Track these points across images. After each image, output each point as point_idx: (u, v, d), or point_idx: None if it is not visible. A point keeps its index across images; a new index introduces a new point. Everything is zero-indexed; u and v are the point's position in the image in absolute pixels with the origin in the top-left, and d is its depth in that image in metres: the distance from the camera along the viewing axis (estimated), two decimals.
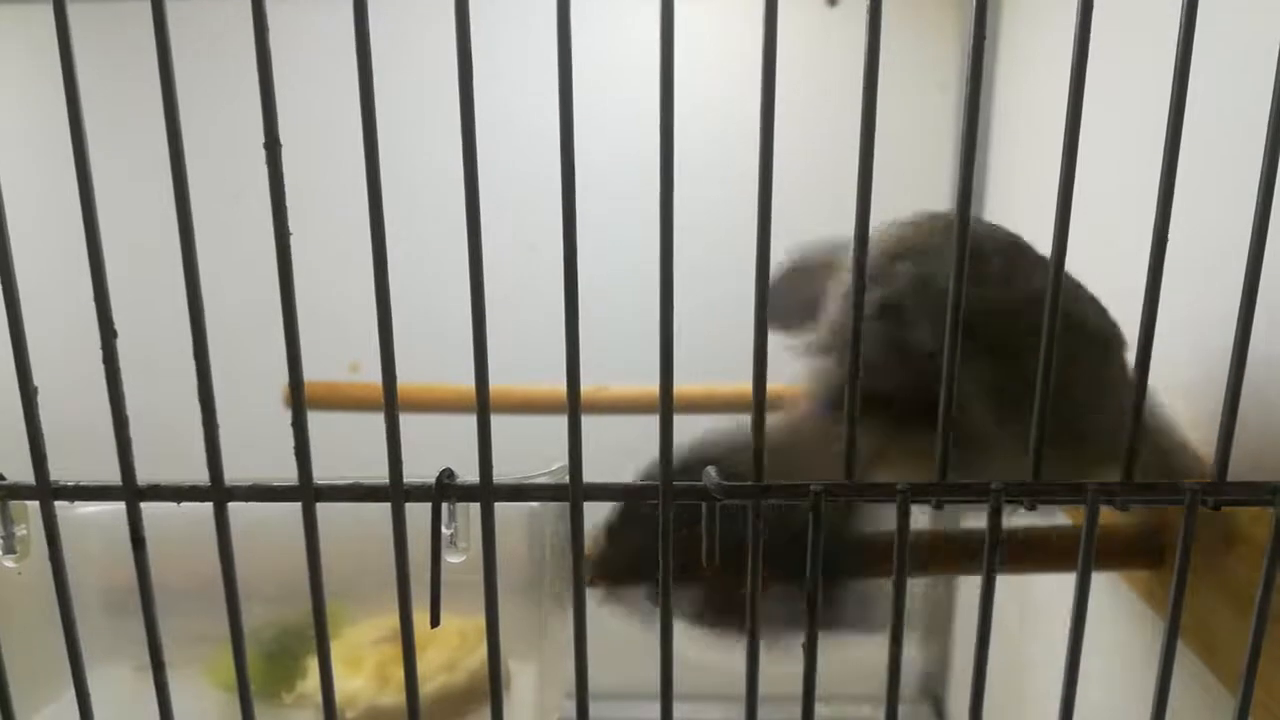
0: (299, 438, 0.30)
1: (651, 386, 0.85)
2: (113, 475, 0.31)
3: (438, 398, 0.72)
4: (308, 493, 0.30)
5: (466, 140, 0.28)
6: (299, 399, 0.29)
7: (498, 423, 0.73)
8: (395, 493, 0.30)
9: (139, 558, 0.31)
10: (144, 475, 0.32)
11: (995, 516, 0.29)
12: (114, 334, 0.29)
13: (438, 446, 0.44)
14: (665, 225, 0.29)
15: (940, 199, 1.05)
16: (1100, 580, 0.67)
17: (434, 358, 0.70)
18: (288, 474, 0.40)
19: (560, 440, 0.31)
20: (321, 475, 0.32)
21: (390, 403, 0.29)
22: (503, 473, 0.34)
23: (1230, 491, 0.30)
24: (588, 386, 0.88)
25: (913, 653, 1.20)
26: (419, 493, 0.30)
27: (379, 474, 0.31)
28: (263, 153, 0.28)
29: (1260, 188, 0.28)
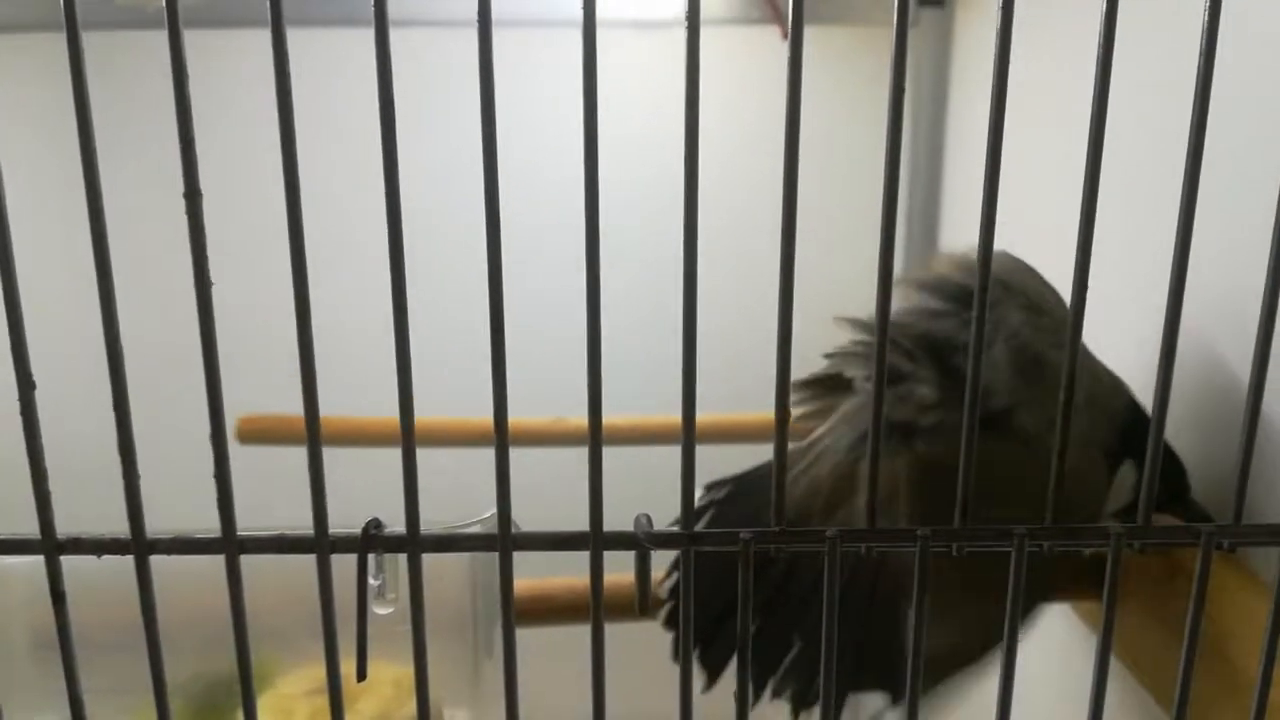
0: (221, 489, 0.29)
1: (619, 417, 0.85)
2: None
3: (382, 432, 0.72)
4: (231, 545, 0.30)
5: (388, 169, 0.28)
6: (221, 449, 0.29)
7: (448, 457, 0.72)
8: (320, 544, 0.29)
9: (59, 612, 0.31)
10: (86, 511, 0.31)
11: (923, 561, 0.29)
12: (32, 385, 0.29)
13: (387, 482, 0.43)
14: (591, 255, 0.29)
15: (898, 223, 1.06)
16: (1051, 609, 0.67)
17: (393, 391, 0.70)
18: (246, 505, 0.39)
19: (515, 477, 0.31)
20: (287, 504, 0.31)
21: (314, 453, 0.29)
22: (431, 520, 0.33)
23: (1155, 535, 0.30)
24: (545, 419, 0.88)
25: None
26: (344, 544, 0.30)
27: (332, 505, 0.31)
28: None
29: (1181, 209, 0.29)
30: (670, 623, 0.46)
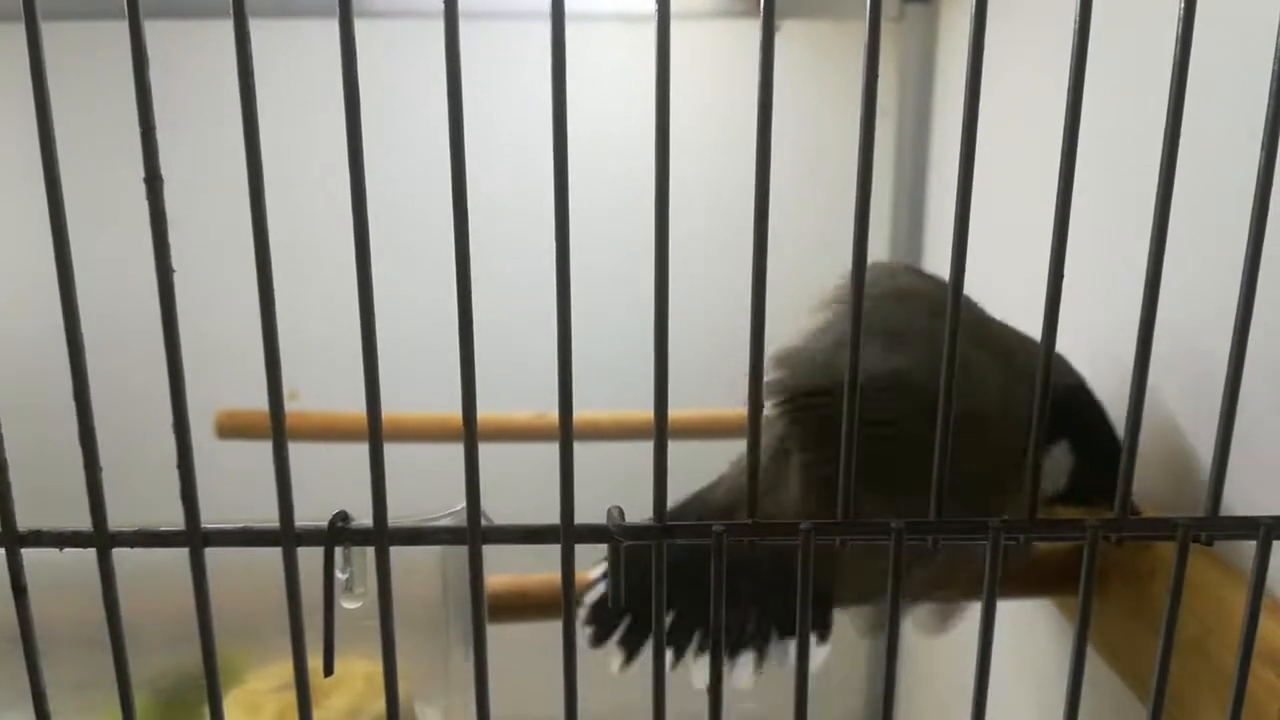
0: (185, 481, 0.29)
1: (593, 413, 0.84)
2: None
3: (361, 426, 0.71)
4: (195, 538, 0.29)
5: (353, 162, 0.27)
6: (184, 440, 0.28)
7: (429, 452, 0.71)
8: (286, 537, 0.29)
9: (21, 606, 0.30)
10: (55, 505, 0.31)
11: (898, 554, 0.29)
12: None
13: (367, 478, 0.43)
14: (560, 249, 0.29)
15: (878, 217, 1.05)
16: (1034, 607, 0.67)
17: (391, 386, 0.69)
18: (226, 500, 0.38)
19: (492, 469, 0.31)
20: (268, 500, 0.30)
21: (279, 444, 0.28)
22: (407, 514, 0.33)
23: (1132, 527, 0.30)
24: (527, 414, 0.87)
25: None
26: (311, 537, 0.29)
27: (312, 503, 0.30)
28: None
29: (1155, 227, 0.29)
30: (592, 619, 0.48)
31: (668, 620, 0.47)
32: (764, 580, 0.47)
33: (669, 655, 0.47)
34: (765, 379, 0.48)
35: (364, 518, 0.31)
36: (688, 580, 0.39)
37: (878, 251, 1.06)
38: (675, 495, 0.34)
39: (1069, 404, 0.50)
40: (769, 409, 0.48)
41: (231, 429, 0.82)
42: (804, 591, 0.29)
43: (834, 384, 0.43)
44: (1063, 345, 0.51)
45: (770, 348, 0.51)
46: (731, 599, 0.43)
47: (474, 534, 0.29)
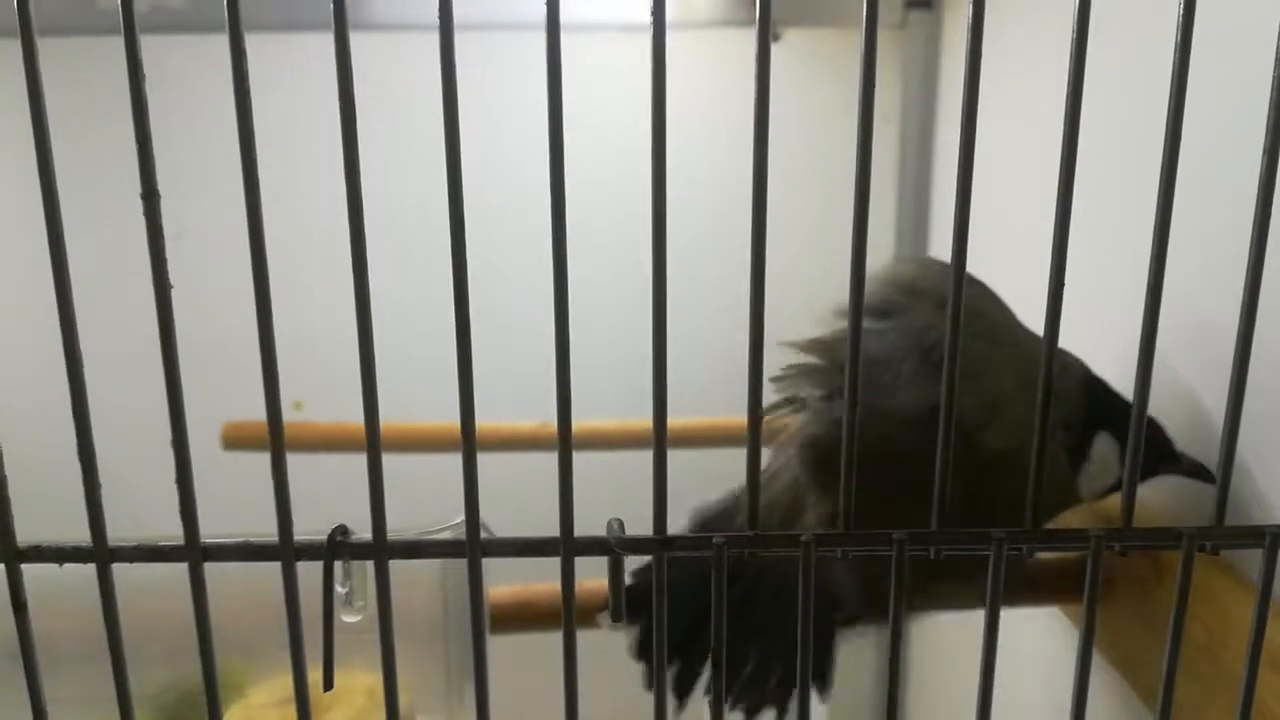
0: (184, 495, 0.29)
1: (596, 422, 0.84)
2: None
3: (355, 438, 0.71)
4: (194, 553, 0.29)
5: (350, 172, 0.27)
6: (182, 454, 0.28)
7: (433, 462, 0.71)
8: (285, 551, 0.29)
9: (20, 622, 0.30)
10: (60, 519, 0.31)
11: (900, 566, 0.29)
12: None
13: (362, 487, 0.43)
14: (558, 258, 0.28)
15: (883, 224, 1.05)
16: (1040, 613, 0.67)
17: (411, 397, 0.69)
18: (230, 509, 0.38)
19: (495, 479, 0.30)
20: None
21: (278, 457, 0.28)
22: (408, 526, 0.33)
23: (1135, 537, 0.29)
24: (531, 423, 0.87)
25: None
26: (310, 551, 0.29)
27: (316, 514, 0.30)
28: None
29: (1156, 232, 0.28)
30: (641, 654, 0.47)
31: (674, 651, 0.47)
32: (766, 624, 0.47)
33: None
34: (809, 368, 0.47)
35: (365, 530, 0.30)
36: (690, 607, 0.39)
37: (880, 257, 1.05)
38: (675, 505, 0.34)
39: (1092, 394, 0.50)
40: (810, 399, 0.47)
41: (237, 441, 0.82)
42: (805, 605, 0.29)
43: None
44: (1066, 348, 0.51)
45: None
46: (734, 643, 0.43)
47: (473, 547, 0.29)
